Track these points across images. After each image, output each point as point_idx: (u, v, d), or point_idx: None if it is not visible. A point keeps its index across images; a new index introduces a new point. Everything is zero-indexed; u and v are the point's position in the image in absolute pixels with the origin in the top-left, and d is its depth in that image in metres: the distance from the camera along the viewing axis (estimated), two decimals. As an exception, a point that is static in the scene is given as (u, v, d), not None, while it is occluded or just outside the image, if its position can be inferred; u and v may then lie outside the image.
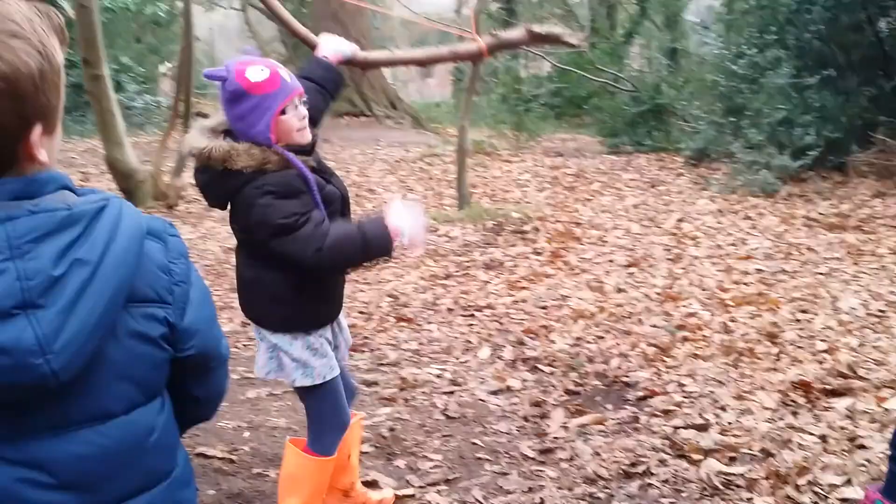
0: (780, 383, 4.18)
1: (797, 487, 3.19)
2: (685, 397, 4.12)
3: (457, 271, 6.82)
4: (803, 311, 5.38)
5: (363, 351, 5.04)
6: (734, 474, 3.34)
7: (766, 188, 9.68)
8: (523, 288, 6.25)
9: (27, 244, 1.13)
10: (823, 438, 3.58)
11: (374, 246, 2.48)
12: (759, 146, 10.19)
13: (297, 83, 2.49)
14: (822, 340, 4.80)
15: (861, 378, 4.20)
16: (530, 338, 5.14)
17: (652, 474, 3.38)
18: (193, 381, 1.44)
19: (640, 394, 4.23)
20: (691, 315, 5.41)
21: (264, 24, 28.13)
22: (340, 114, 17.64)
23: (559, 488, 3.31)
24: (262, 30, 28.88)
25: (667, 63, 17.42)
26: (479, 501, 3.26)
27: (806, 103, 10.27)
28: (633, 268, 6.70)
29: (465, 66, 17.55)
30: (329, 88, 2.84)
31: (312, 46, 2.93)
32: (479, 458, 3.59)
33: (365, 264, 2.59)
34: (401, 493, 3.30)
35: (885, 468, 2.95)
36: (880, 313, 5.28)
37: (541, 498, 3.24)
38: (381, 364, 4.83)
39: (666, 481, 3.33)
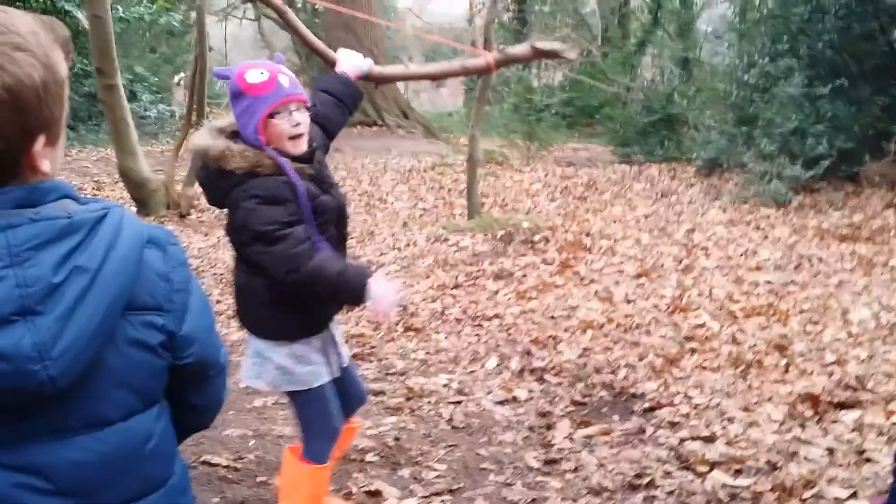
0: (787, 395, 4.16)
1: (803, 501, 3.18)
2: (692, 409, 4.10)
3: (466, 281, 6.82)
4: (813, 323, 5.35)
5: (371, 360, 5.05)
6: (740, 487, 3.32)
7: (778, 198, 9.65)
8: (532, 298, 6.24)
9: (27, 251, 1.14)
10: (830, 451, 3.56)
11: (346, 293, 2.52)
12: (771, 156, 10.16)
13: (299, 91, 2.49)
14: (831, 352, 4.77)
15: (870, 391, 4.18)
16: (538, 348, 5.13)
17: (657, 486, 3.37)
18: (191, 389, 1.45)
19: (647, 405, 4.21)
20: (700, 326, 5.39)
21: (278, 34, 28.27)
22: (352, 123, 17.70)
23: (563, 499, 3.31)
24: (275, 40, 29.04)
25: (679, 73, 17.40)
26: (483, 512, 3.26)
27: (818, 113, 10.24)
28: (643, 278, 6.68)
29: (476, 76, 17.57)
30: (347, 103, 2.88)
31: (331, 62, 2.95)
32: (484, 469, 3.59)
33: (332, 293, 2.58)
34: (404, 502, 3.30)
35: (892, 481, 2.93)
36: (891, 325, 5.24)
37: (545, 509, 3.23)
38: (389, 373, 4.83)
39: (671, 493, 3.31)
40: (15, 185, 1.18)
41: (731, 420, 3.93)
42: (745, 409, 4.03)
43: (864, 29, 10.74)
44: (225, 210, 2.58)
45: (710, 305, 5.83)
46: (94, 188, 11.40)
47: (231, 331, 5.24)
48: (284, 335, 2.63)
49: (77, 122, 16.76)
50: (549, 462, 3.64)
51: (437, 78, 3.54)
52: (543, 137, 15.85)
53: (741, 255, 7.39)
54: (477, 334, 5.51)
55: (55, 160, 1.23)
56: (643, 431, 3.91)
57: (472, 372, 4.84)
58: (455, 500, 3.34)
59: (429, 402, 4.36)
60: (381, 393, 4.49)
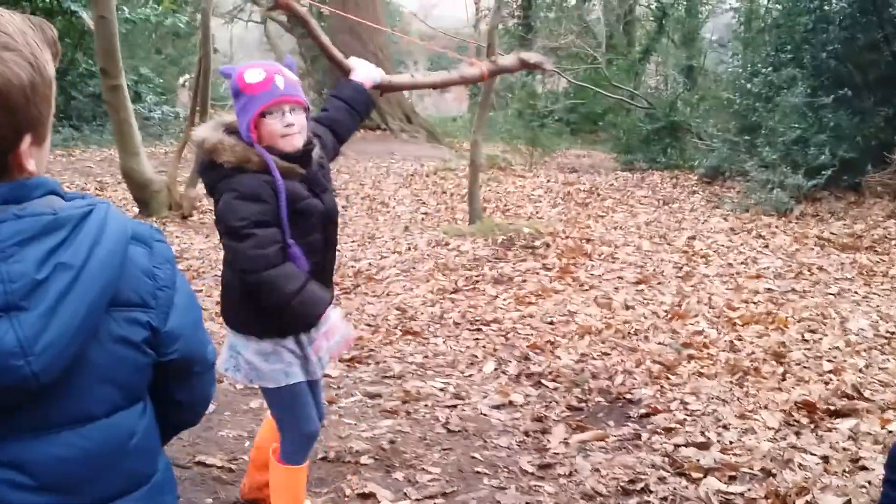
0: (784, 403, 4.16)
1: (796, 508, 3.17)
2: (688, 415, 4.10)
3: (466, 285, 6.83)
4: (811, 331, 5.35)
5: (368, 363, 5.05)
6: (733, 493, 3.32)
7: (780, 207, 9.65)
8: (531, 303, 6.25)
9: (11, 247, 1.14)
10: (825, 459, 3.56)
11: (295, 315, 2.55)
12: (773, 165, 10.17)
13: (295, 93, 2.51)
14: (828, 361, 4.77)
15: (866, 399, 4.18)
16: (535, 353, 5.13)
17: (651, 492, 3.37)
18: (177, 386, 1.44)
19: (643, 411, 4.21)
20: (698, 333, 5.39)
21: (284, 37, 28.36)
22: (356, 127, 17.71)
23: (557, 504, 3.31)
24: (281, 43, 29.10)
25: (683, 80, 17.42)
26: (476, 515, 3.26)
27: (821, 122, 10.25)
28: (643, 285, 6.68)
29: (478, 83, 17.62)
30: (359, 110, 2.93)
31: (346, 71, 2.99)
32: (478, 472, 3.59)
33: (281, 309, 2.58)
34: (398, 505, 3.30)
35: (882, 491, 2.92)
36: (889, 335, 5.25)
37: (538, 513, 3.23)
38: (386, 377, 4.83)
39: (664, 499, 3.31)
40: (0, 182, 1.19)
41: (726, 427, 3.93)
42: (741, 417, 4.03)
43: (869, 39, 10.76)
44: None
45: (708, 313, 5.83)
46: (97, 188, 11.43)
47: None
48: (252, 331, 2.65)
49: (81, 123, 16.81)
50: (544, 467, 3.64)
51: (438, 87, 3.63)
52: (546, 143, 15.87)
53: (741, 262, 7.40)
54: (475, 338, 5.51)
55: (41, 160, 1.24)
56: (638, 437, 3.91)
57: (469, 376, 4.84)
58: (448, 503, 3.34)
59: (425, 406, 4.36)
60: (378, 396, 4.49)
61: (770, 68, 11.17)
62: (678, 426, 3.98)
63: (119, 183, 10.91)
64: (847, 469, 3.46)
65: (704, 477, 3.46)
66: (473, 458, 3.73)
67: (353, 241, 8.79)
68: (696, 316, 5.76)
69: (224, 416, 4.11)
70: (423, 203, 11.30)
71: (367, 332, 5.64)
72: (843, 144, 10.05)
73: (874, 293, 6.29)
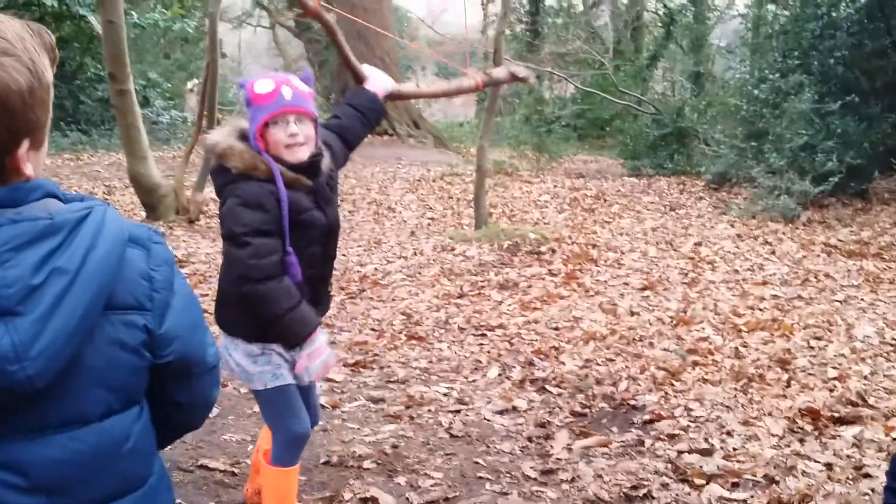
0: (788, 410, 4.15)
1: (799, 515, 3.16)
2: (692, 422, 4.09)
3: (471, 291, 6.83)
4: (817, 338, 5.33)
5: (372, 368, 5.06)
6: (736, 500, 3.32)
7: (787, 213, 9.64)
8: (536, 309, 6.25)
9: (7, 252, 1.15)
10: (829, 466, 3.55)
11: (288, 331, 2.59)
12: (780, 171, 10.15)
13: (302, 104, 2.55)
14: (833, 368, 4.76)
15: (871, 406, 4.16)
16: (540, 358, 5.13)
17: (653, 498, 3.36)
18: (176, 387, 1.44)
19: (647, 417, 4.20)
20: (703, 339, 5.38)
21: (292, 42, 28.46)
22: (363, 132, 17.75)
23: (559, 510, 3.30)
24: (289, 48, 29.19)
25: (690, 86, 17.41)
26: (478, 521, 3.25)
27: (828, 129, 10.23)
28: (648, 291, 6.67)
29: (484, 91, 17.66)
30: (370, 118, 2.99)
31: (360, 79, 3.04)
32: (481, 478, 3.58)
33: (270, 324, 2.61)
34: (400, 510, 3.30)
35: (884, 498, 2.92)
36: (895, 342, 5.22)
37: (540, 519, 3.23)
38: (390, 381, 4.84)
39: (667, 505, 3.30)
40: None
41: (730, 433, 3.92)
42: (745, 423, 4.02)
43: (876, 45, 10.74)
44: None
45: (714, 319, 5.82)
46: (104, 192, 11.48)
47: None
48: (240, 333, 2.68)
49: (90, 127, 16.88)
50: (546, 472, 3.63)
51: (439, 97, 3.71)
52: (553, 149, 15.88)
53: (748, 269, 7.38)
54: (480, 344, 5.51)
55: (38, 164, 1.25)
56: (642, 443, 3.90)
57: (473, 381, 4.84)
58: (450, 508, 3.34)
59: (428, 411, 4.36)
60: (381, 400, 4.50)
61: (777, 74, 11.15)
62: (682, 432, 3.97)
63: (127, 187, 10.95)
64: (850, 476, 3.45)
65: (707, 483, 3.45)
66: (476, 463, 3.73)
67: (359, 247, 8.80)
68: (702, 322, 5.74)
69: (228, 419, 4.12)
70: (430, 208, 11.31)
71: (372, 337, 5.65)
72: (851, 151, 10.03)
73: (880, 300, 6.27)
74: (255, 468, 3.18)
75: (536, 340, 5.49)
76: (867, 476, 3.43)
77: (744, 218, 9.82)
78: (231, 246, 2.52)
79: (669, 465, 3.63)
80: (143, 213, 9.80)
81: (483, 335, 5.69)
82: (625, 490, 3.42)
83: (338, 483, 3.47)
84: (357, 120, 2.93)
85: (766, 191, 10.14)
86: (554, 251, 7.98)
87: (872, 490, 3.29)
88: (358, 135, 2.95)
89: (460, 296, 6.70)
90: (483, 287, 6.91)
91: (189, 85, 22.35)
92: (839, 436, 3.85)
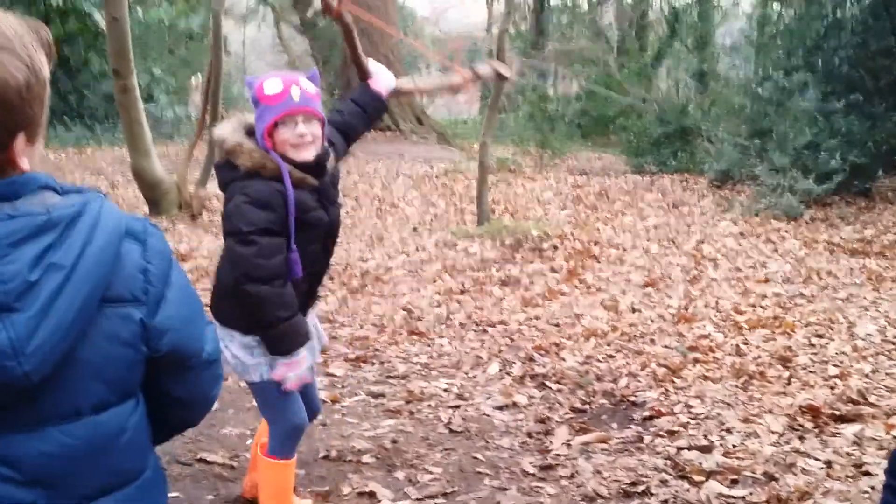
0: (788, 407, 4.14)
1: (798, 512, 3.16)
2: (691, 418, 4.09)
3: (472, 287, 6.83)
4: (818, 336, 5.32)
5: (373, 363, 5.06)
6: (735, 497, 3.31)
7: (790, 212, 9.61)
8: (537, 305, 6.24)
9: (5, 248, 1.15)
10: (829, 464, 3.54)
11: (276, 340, 2.60)
12: (784, 170, 10.13)
13: (310, 105, 2.57)
14: (834, 366, 4.75)
15: (871, 404, 4.15)
16: (540, 354, 5.13)
17: (652, 494, 3.36)
18: (172, 381, 1.42)
19: (647, 414, 4.20)
20: (704, 337, 5.37)
21: (296, 39, 28.45)
22: (367, 128, 17.74)
23: (557, 505, 3.30)
24: (293, 45, 29.19)
25: (695, 85, 17.39)
26: (476, 516, 3.25)
27: (832, 128, 10.21)
28: (650, 288, 6.67)
29: (490, 84, 17.64)
30: (374, 116, 3.05)
31: (365, 76, 3.06)
32: (479, 473, 3.58)
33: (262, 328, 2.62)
34: (398, 504, 3.30)
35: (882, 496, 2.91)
36: (897, 340, 5.22)
37: (538, 514, 3.23)
38: (390, 376, 4.84)
39: (665, 502, 3.30)
40: None
41: (729, 430, 3.91)
42: (745, 420, 4.02)
43: (881, 45, 10.71)
44: None
45: (715, 316, 5.82)
46: (108, 187, 11.49)
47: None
48: (236, 326, 2.68)
49: (94, 122, 16.91)
50: (545, 468, 3.63)
51: (431, 92, 3.78)
52: (557, 146, 15.85)
53: (750, 267, 7.37)
54: (480, 339, 5.51)
55: (34, 159, 1.25)
56: (641, 440, 3.90)
57: (473, 377, 4.83)
58: (448, 503, 3.34)
59: (428, 406, 4.36)
60: (381, 395, 4.50)
61: (782, 73, 11.12)
62: (681, 429, 3.97)
63: (130, 182, 10.96)
64: (850, 474, 3.44)
65: (706, 480, 3.44)
66: (475, 458, 3.73)
67: (361, 242, 8.80)
68: (703, 319, 5.74)
69: (227, 413, 4.13)
70: (433, 204, 11.30)
71: (373, 332, 5.65)
72: (854, 150, 10.00)
73: (883, 298, 6.25)
74: (254, 462, 3.18)
75: (537, 336, 5.49)
76: (867, 474, 3.42)
77: (747, 216, 9.80)
78: (235, 243, 2.52)
79: (669, 462, 3.63)
80: (146, 208, 9.81)
81: (484, 331, 5.69)
82: (623, 486, 3.42)
83: (336, 477, 3.47)
84: (359, 116, 2.97)
85: (769, 189, 10.12)
86: (556, 248, 7.98)
87: (872, 488, 3.28)
88: (359, 131, 3.00)
89: (462, 292, 6.69)
90: (485, 283, 6.91)
91: (193, 81, 22.37)
92: (839, 433, 3.84)
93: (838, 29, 10.87)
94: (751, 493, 3.32)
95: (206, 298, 2.53)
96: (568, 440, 3.90)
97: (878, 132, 10.29)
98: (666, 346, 5.20)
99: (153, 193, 9.83)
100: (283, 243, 2.55)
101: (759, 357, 4.93)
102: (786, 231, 8.93)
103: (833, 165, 9.85)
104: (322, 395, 4.13)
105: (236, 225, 2.51)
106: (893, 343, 5.16)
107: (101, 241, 1.22)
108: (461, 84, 3.41)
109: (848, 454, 3.63)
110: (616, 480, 3.47)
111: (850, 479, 3.40)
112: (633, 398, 4.41)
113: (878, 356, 4.92)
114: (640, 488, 3.40)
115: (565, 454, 3.76)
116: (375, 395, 4.50)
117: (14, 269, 1.15)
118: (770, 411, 4.12)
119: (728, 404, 4.24)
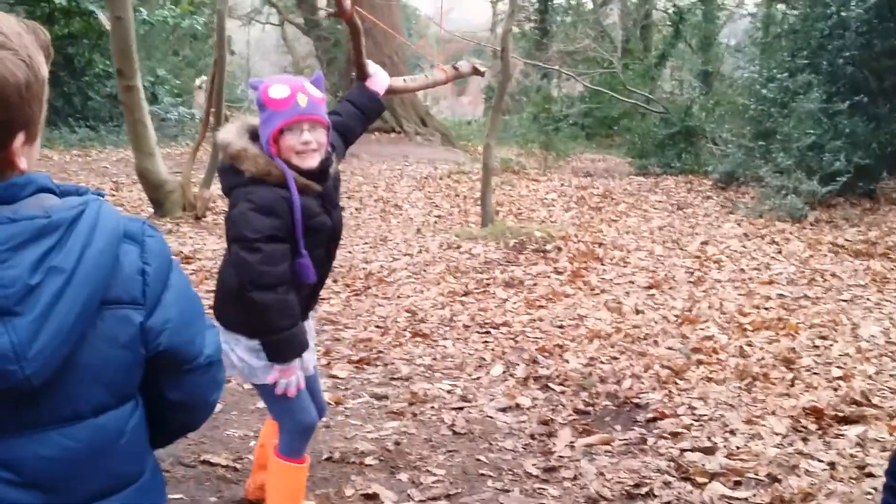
0: (791, 409, 4.14)
1: (801, 514, 3.15)
2: (695, 420, 4.09)
3: (476, 288, 6.83)
4: (822, 338, 5.32)
5: (376, 365, 5.06)
6: (738, 498, 3.31)
7: (794, 213, 9.60)
8: (541, 307, 6.24)
9: (6, 252, 1.16)
10: (832, 465, 3.54)
11: (275, 348, 2.59)
12: (788, 171, 10.12)
13: (316, 112, 2.56)
14: (838, 367, 4.75)
15: (875, 406, 4.15)
16: (544, 356, 5.13)
17: (655, 496, 3.36)
18: (168, 383, 1.42)
19: (650, 415, 4.20)
20: (708, 338, 5.37)
21: (301, 40, 28.47)
22: (371, 129, 17.72)
23: (560, 507, 3.30)
24: (298, 45, 29.22)
25: (699, 85, 17.37)
26: (479, 517, 3.25)
27: (836, 129, 10.19)
28: (654, 289, 6.66)
29: (494, 85, 17.59)
30: (371, 117, 3.07)
31: (364, 77, 3.09)
32: (483, 475, 3.59)
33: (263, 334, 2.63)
34: (402, 506, 3.31)
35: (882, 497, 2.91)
36: (901, 342, 5.21)
37: (541, 516, 3.23)
38: (394, 378, 4.84)
39: (668, 503, 3.30)
40: None
41: (733, 432, 3.91)
42: (749, 422, 4.02)
43: (886, 45, 10.68)
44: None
45: (719, 318, 5.81)
46: (112, 188, 11.50)
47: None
48: (241, 330, 2.67)
49: (98, 123, 16.92)
50: (549, 470, 3.63)
51: (418, 90, 3.89)
52: (561, 147, 15.85)
53: (754, 268, 7.36)
54: (484, 341, 5.51)
55: (31, 158, 1.26)
56: (644, 441, 3.90)
57: (476, 379, 4.84)
58: (452, 504, 3.34)
59: (432, 408, 4.37)
60: (385, 397, 4.50)
61: (786, 74, 11.10)
62: (685, 431, 3.97)
63: (134, 183, 10.97)
64: (853, 476, 3.44)
65: (710, 482, 3.44)
66: (478, 460, 3.74)
67: (365, 244, 8.80)
68: (707, 321, 5.73)
69: (231, 415, 4.13)
70: (437, 206, 11.31)
71: (377, 334, 5.65)
72: (859, 151, 9.99)
73: (887, 300, 6.24)
74: (258, 464, 3.18)
75: (541, 338, 5.49)
76: (870, 475, 3.42)
77: (751, 217, 9.79)
78: (241, 250, 2.50)
79: (672, 464, 3.63)
80: (150, 209, 9.82)
81: (487, 333, 5.69)
82: (627, 488, 3.42)
83: (340, 479, 3.48)
84: (358, 118, 2.99)
85: (773, 190, 10.11)
86: (560, 249, 7.97)
87: (875, 489, 3.28)
88: (356, 132, 3.02)
89: (465, 293, 6.70)
90: (488, 285, 6.91)
91: (197, 82, 22.37)
92: (843, 435, 3.84)
93: (843, 29, 10.83)
94: (754, 495, 3.32)
95: (207, 300, 2.54)
96: (571, 442, 3.90)
97: (883, 133, 10.27)
98: (669, 348, 5.20)
99: (157, 194, 9.83)
100: (287, 250, 2.54)
101: (763, 359, 4.93)
102: (790, 232, 8.92)
103: (837, 167, 9.84)
104: (325, 396, 4.14)
105: (241, 232, 2.50)
106: (897, 345, 5.15)
107: (100, 244, 1.23)
108: (444, 80, 3.54)
109: (851, 456, 3.62)
110: (619, 482, 3.47)
111: (854, 481, 3.39)
112: (636, 400, 4.41)
113: (882, 358, 4.91)
114: (644, 490, 3.40)
115: (569, 456, 3.76)
116: (379, 397, 4.50)
117: (15, 273, 1.15)
118: (773, 413, 4.12)
119: (731, 406, 4.24)
